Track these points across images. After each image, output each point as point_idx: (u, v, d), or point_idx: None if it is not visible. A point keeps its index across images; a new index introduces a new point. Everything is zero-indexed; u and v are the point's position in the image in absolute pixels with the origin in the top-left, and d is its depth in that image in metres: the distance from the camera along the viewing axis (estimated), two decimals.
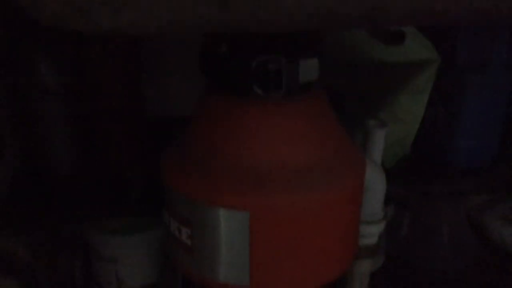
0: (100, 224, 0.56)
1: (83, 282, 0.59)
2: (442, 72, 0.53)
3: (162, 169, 0.38)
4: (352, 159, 0.38)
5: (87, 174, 0.54)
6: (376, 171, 0.47)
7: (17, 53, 0.48)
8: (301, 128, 0.36)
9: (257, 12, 0.21)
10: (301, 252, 0.36)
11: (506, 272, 0.61)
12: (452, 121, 0.59)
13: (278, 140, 0.35)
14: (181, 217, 0.37)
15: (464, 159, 0.60)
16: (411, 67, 0.51)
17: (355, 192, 0.38)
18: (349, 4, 0.21)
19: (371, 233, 0.50)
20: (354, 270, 0.50)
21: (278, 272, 0.36)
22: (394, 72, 0.51)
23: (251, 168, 0.35)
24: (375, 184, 0.47)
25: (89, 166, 0.55)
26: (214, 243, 0.36)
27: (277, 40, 0.34)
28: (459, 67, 0.57)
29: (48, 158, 0.53)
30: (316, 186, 0.35)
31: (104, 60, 0.51)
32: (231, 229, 0.35)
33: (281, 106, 0.35)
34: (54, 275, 0.53)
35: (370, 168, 0.44)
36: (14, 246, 0.47)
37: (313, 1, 0.21)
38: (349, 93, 0.54)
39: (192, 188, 0.35)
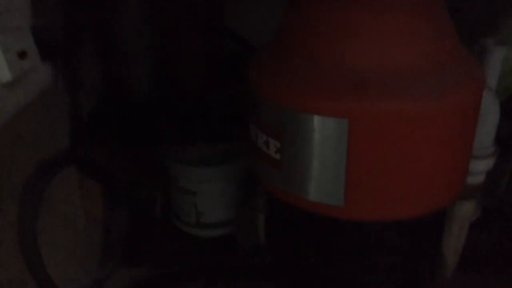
0: (180, 153, 0.54)
1: (162, 210, 0.59)
2: None
3: (250, 73, 0.35)
4: (470, 69, 0.33)
5: (168, 98, 0.52)
6: (490, 97, 0.41)
7: None
8: (412, 26, 0.31)
9: None
10: (405, 169, 0.31)
11: None
12: None
13: (383, 39, 0.30)
14: (270, 128, 0.34)
15: None
16: None
17: (471, 107, 0.33)
18: None
19: (478, 170, 0.44)
20: (455, 212, 0.45)
21: (377, 191, 0.32)
22: None
23: (351, 70, 0.30)
24: (488, 111, 0.41)
25: (170, 89, 0.53)
26: (306, 156, 0.32)
27: None
28: None
29: (130, 82, 0.52)
30: (427, 92, 0.30)
31: None
32: (326, 139, 0.31)
33: None
34: (134, 195, 0.53)
35: (484, 92, 0.38)
36: (100, 158, 0.46)
37: None
38: (463, 9, 0.48)
39: (283, 93, 0.32)
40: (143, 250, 0.55)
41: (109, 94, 0.52)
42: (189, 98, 0.52)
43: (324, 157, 0.32)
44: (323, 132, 0.31)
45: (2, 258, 0.34)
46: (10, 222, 0.35)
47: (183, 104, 0.52)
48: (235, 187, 0.56)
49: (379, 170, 0.31)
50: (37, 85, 0.33)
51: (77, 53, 0.44)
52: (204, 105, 0.51)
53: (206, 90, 0.52)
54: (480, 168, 0.43)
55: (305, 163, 0.33)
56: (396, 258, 0.39)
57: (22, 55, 0.31)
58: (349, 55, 0.31)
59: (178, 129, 0.49)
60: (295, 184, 0.34)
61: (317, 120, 0.31)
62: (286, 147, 0.33)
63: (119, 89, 0.52)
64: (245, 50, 0.54)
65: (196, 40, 0.52)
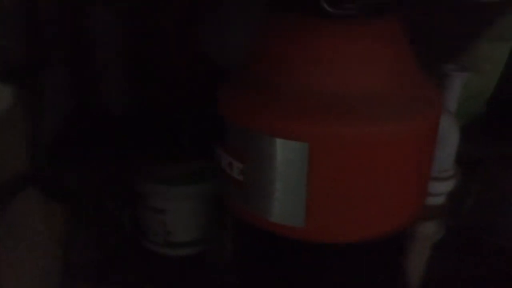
0: (151, 172, 0.54)
1: (130, 230, 0.58)
2: None
3: (218, 97, 0.35)
4: (429, 95, 0.34)
5: (140, 115, 0.52)
6: (449, 120, 0.43)
7: None
8: (373, 53, 0.32)
9: None
10: (365, 192, 0.32)
11: None
12: None
13: (345, 63, 0.31)
14: (234, 150, 0.34)
15: None
16: (494, 8, 0.45)
17: (429, 131, 0.34)
18: None
19: (438, 192, 0.45)
20: (417, 232, 0.46)
21: (337, 213, 0.32)
22: (477, 12, 0.45)
23: (313, 94, 0.31)
24: (448, 134, 0.42)
25: (142, 107, 0.53)
26: (268, 178, 0.33)
27: None
28: None
29: (102, 98, 0.52)
30: (386, 116, 0.31)
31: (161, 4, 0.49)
32: (287, 162, 0.32)
33: (351, 26, 0.31)
34: (102, 215, 0.52)
35: (444, 116, 0.39)
36: (65, 178, 0.46)
37: None
38: (425, 34, 0.49)
39: (246, 115, 0.32)
40: (110, 270, 0.54)
41: (79, 112, 0.52)
42: (162, 114, 0.52)
43: (285, 179, 0.32)
44: (284, 155, 0.32)
45: None
46: None
47: (156, 122, 0.52)
48: (205, 206, 0.56)
49: (339, 193, 0.32)
50: None
51: (42, 73, 0.44)
52: (178, 122, 0.51)
53: (181, 107, 0.52)
54: (440, 189, 0.45)
55: (266, 185, 0.33)
56: (358, 279, 0.40)
57: None
58: (310, 78, 0.32)
59: (151, 147, 0.49)
60: (257, 205, 0.34)
61: (278, 143, 0.31)
62: (249, 169, 0.34)
63: (90, 106, 0.51)
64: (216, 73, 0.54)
65: (174, 55, 0.52)
